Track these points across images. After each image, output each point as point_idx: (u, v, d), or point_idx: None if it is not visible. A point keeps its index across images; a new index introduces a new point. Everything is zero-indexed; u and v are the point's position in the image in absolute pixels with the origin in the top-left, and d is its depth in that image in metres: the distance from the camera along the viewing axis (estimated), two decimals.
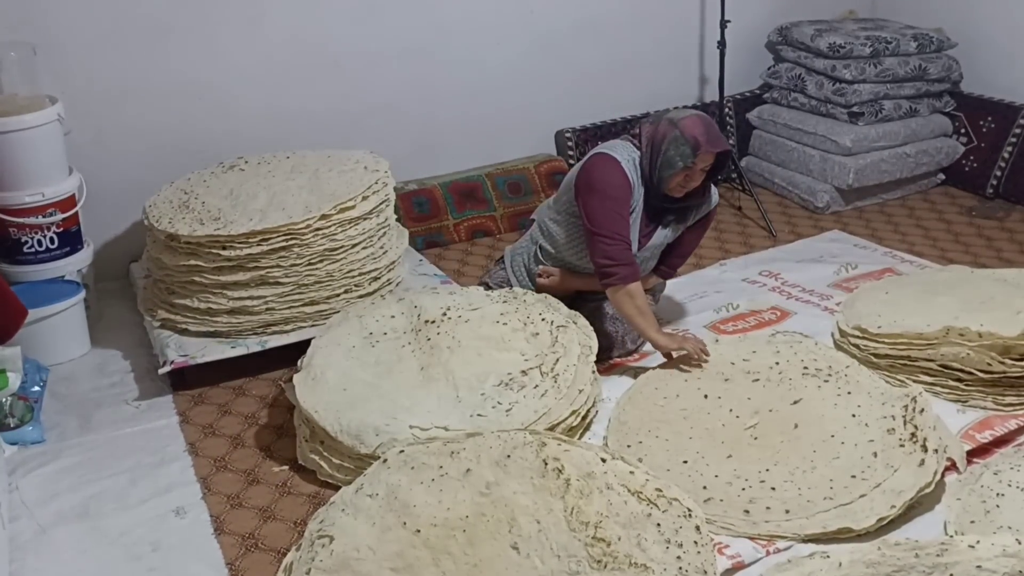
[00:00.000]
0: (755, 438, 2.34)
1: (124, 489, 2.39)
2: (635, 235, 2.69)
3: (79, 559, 2.16)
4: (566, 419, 2.39)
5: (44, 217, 2.99)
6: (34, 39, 3.09)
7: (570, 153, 4.08)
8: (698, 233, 2.91)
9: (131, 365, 2.98)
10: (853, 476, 2.17)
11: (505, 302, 2.71)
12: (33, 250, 3.00)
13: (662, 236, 2.80)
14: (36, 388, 2.73)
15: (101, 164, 3.30)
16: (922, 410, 2.31)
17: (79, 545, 2.20)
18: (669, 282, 3.35)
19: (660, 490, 2.06)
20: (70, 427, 2.66)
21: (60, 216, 3.01)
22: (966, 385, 2.51)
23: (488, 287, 2.94)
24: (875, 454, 2.22)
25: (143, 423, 2.67)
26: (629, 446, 2.35)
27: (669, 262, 2.94)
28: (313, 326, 2.88)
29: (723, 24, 3.96)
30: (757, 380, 2.55)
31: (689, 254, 2.98)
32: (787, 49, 4.30)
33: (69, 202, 3.05)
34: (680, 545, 1.95)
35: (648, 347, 2.89)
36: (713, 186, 2.81)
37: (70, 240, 3.07)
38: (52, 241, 3.02)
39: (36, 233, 2.99)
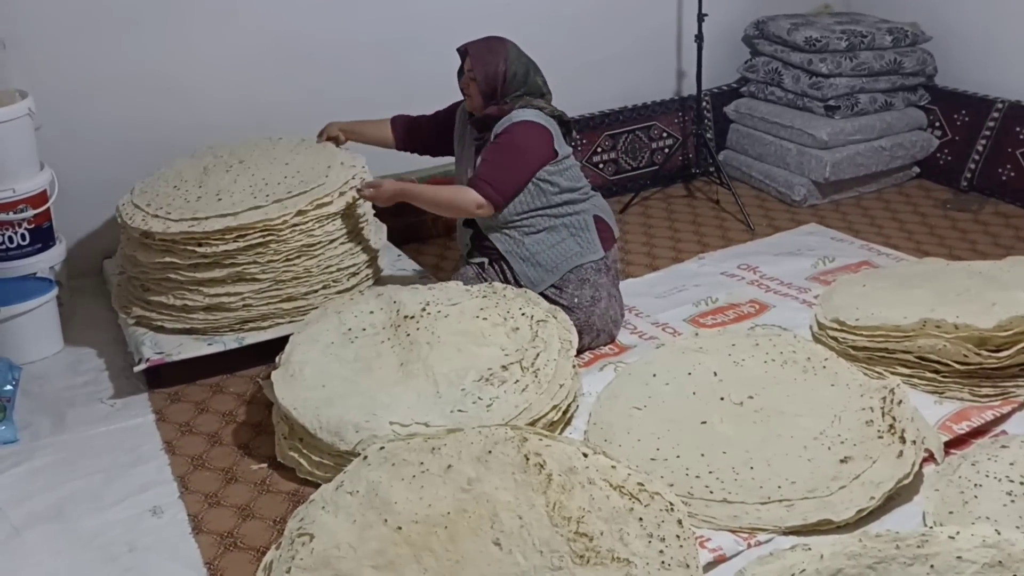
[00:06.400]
0: (734, 432, 2.34)
1: (99, 489, 2.36)
2: (470, 162, 2.96)
3: (54, 560, 2.13)
4: (547, 414, 2.38)
5: (15, 213, 2.94)
6: (3, 33, 3.04)
7: None
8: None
9: (105, 363, 2.95)
10: (832, 467, 2.18)
11: (485, 297, 2.70)
12: (4, 247, 2.96)
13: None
14: (8, 387, 2.69)
15: (73, 159, 3.26)
16: (900, 402, 2.32)
17: (53, 546, 2.17)
18: (648, 276, 3.38)
19: (642, 484, 2.06)
20: (43, 426, 2.62)
21: (31, 212, 2.97)
22: (943, 377, 2.53)
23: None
24: (854, 444, 2.23)
25: (118, 422, 2.64)
26: (607, 440, 2.35)
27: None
28: (291, 322, 2.86)
29: (700, 18, 3.96)
30: (736, 374, 2.55)
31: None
32: (764, 43, 4.31)
33: (40, 198, 3.00)
34: (662, 539, 1.95)
35: (627, 340, 2.91)
36: (518, 111, 2.86)
37: (42, 236, 3.03)
38: (23, 238, 2.98)
39: (7, 230, 2.95)
